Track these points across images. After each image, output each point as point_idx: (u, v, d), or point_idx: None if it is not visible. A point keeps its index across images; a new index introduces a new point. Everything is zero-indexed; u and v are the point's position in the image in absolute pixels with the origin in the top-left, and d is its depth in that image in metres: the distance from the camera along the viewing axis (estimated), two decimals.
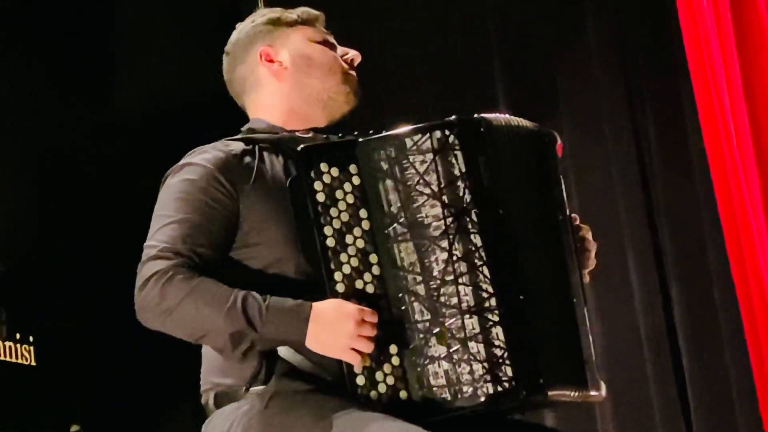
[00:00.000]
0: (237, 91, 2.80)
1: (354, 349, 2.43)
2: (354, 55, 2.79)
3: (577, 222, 2.70)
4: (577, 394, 2.57)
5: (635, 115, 4.59)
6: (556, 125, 4.72)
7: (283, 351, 2.50)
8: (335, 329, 2.42)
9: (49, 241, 4.38)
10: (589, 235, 2.72)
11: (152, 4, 4.90)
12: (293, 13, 2.79)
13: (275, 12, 2.81)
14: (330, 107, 2.73)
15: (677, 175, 4.49)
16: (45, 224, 4.42)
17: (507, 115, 2.63)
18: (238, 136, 2.70)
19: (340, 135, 2.64)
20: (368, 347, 2.43)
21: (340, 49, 2.80)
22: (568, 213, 2.66)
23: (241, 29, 2.81)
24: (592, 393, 2.60)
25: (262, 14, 2.81)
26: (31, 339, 4.25)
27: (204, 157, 2.61)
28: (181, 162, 2.64)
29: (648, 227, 4.53)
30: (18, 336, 4.23)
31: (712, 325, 4.37)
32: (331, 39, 2.80)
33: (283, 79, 2.74)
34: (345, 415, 2.39)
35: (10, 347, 4.18)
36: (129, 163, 4.50)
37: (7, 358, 4.17)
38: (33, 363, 4.23)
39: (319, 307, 2.45)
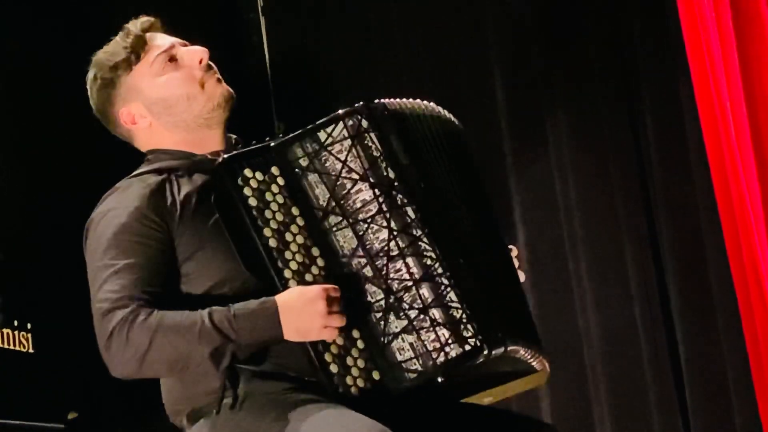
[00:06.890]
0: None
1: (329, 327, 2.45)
2: (200, 54, 2.68)
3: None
4: (534, 353, 2.61)
5: (633, 107, 4.60)
6: (555, 119, 4.73)
7: (252, 361, 2.51)
8: (307, 314, 2.44)
9: (46, 228, 4.38)
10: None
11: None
12: (119, 55, 2.66)
13: (100, 68, 2.69)
14: (212, 122, 2.67)
15: (675, 166, 4.51)
16: (43, 212, 4.41)
17: (410, 100, 2.69)
18: (148, 168, 2.63)
19: (254, 142, 2.60)
20: (342, 321, 2.45)
21: (186, 51, 2.70)
22: (487, 193, 2.74)
23: (89, 91, 2.72)
24: (546, 356, 2.65)
25: (92, 77, 2.70)
26: (29, 326, 4.24)
27: (123, 199, 2.56)
28: (100, 210, 2.59)
29: (645, 217, 4.54)
30: (16, 323, 4.22)
31: (708, 315, 4.39)
32: (171, 49, 2.68)
33: (154, 128, 2.68)
34: (310, 411, 2.41)
35: (7, 334, 4.18)
36: (126, 153, 4.50)
37: (5, 345, 4.16)
38: (31, 350, 4.23)
39: (283, 298, 2.46)
